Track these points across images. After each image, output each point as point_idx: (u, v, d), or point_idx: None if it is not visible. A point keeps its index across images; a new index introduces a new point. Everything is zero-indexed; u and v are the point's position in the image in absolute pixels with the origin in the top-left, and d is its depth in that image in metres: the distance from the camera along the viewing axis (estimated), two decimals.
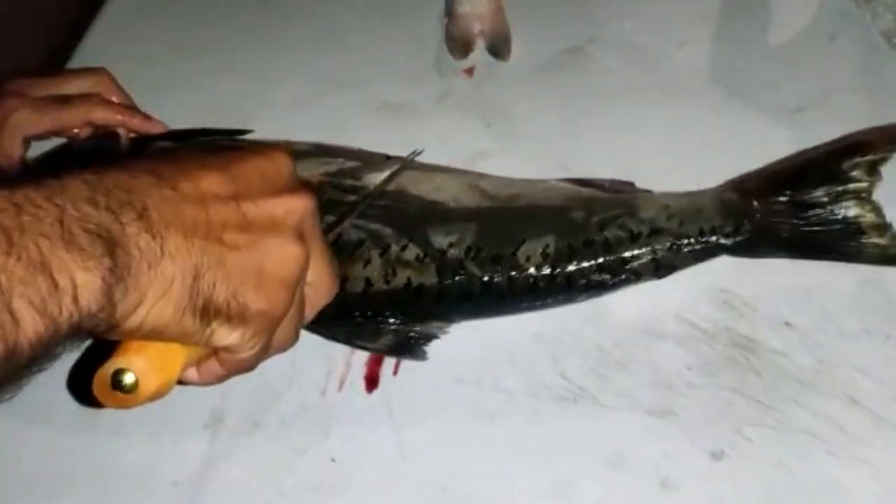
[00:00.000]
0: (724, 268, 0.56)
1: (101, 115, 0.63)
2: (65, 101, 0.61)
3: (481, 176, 0.60)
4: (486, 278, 0.54)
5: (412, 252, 0.54)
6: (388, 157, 0.61)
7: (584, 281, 0.54)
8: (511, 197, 0.57)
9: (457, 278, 0.53)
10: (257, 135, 0.67)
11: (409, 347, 0.54)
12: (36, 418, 0.54)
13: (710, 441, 0.49)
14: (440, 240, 0.54)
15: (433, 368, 0.54)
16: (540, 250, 0.54)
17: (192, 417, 0.53)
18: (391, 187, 0.57)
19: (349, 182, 0.57)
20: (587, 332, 0.55)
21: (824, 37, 0.74)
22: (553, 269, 0.54)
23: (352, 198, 0.56)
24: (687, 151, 0.65)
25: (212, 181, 0.39)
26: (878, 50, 0.71)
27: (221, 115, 0.73)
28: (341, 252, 0.52)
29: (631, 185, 0.60)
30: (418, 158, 0.61)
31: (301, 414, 0.53)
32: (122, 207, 0.34)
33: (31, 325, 0.30)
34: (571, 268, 0.54)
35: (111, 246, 0.33)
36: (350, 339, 0.54)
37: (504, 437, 0.51)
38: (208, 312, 0.37)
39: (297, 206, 0.41)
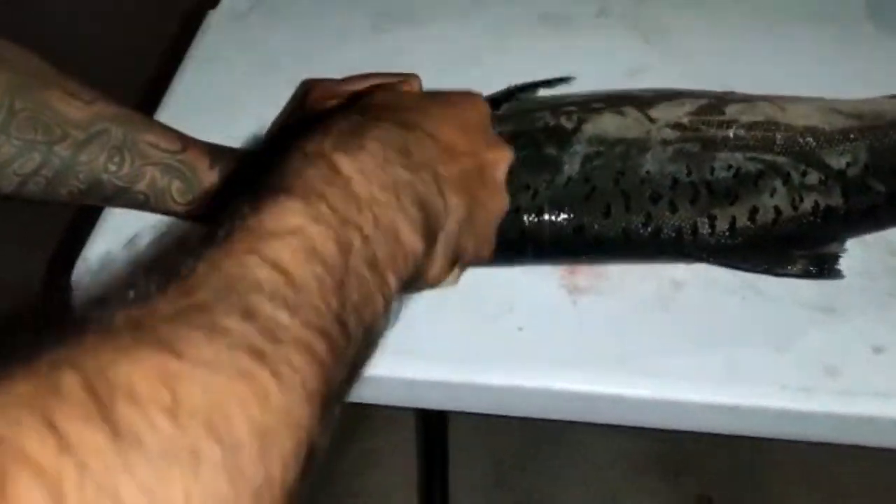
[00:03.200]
0: None
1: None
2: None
3: (820, 100, 0.61)
4: (890, 192, 0.56)
5: (814, 177, 0.55)
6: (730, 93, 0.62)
7: None
8: (875, 114, 0.59)
9: (862, 195, 0.56)
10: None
11: (826, 269, 0.55)
12: None
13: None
14: (836, 161, 0.56)
15: None
16: None
17: None
18: (760, 118, 0.58)
19: (717, 118, 0.58)
20: None
21: None
22: None
23: (727, 132, 0.56)
24: (830, 77, 0.68)
25: (452, 135, 0.40)
26: None
27: (389, 20, 0.78)
28: (743, 184, 0.54)
29: None
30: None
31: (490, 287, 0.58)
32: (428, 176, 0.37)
33: (392, 284, 0.33)
34: None
35: (427, 214, 0.36)
36: (770, 269, 0.56)
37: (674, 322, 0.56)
38: (454, 260, 0.40)
39: (502, 159, 0.43)
